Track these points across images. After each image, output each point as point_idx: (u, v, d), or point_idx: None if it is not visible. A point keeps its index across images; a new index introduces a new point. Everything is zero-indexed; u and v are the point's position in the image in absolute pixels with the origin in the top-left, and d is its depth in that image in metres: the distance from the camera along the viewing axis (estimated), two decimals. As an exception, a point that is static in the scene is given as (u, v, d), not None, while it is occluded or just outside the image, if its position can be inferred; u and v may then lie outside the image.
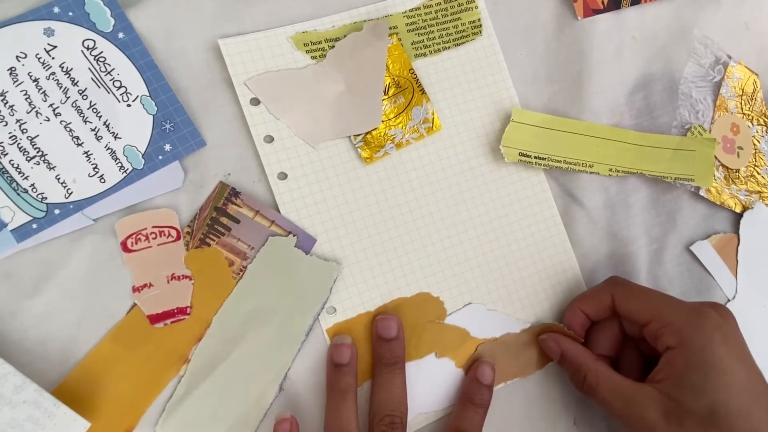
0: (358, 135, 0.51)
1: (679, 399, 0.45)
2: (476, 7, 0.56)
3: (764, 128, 0.65)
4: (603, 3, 0.60)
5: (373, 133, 0.51)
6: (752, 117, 0.64)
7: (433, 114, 0.53)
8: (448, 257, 0.53)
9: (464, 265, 0.53)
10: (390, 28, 0.53)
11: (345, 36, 0.52)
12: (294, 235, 0.49)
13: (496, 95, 0.56)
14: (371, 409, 0.48)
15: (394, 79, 0.52)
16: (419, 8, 0.54)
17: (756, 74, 0.65)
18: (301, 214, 0.50)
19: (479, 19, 0.56)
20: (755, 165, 0.64)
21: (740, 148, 0.63)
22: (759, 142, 0.64)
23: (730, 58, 0.64)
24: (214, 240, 0.48)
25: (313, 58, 0.51)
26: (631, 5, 0.61)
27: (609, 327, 0.52)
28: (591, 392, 0.49)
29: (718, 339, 0.46)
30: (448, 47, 0.55)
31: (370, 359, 0.50)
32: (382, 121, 0.51)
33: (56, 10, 0.46)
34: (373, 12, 0.53)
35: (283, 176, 0.50)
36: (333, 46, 0.51)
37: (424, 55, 0.54)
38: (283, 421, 0.47)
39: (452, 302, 0.52)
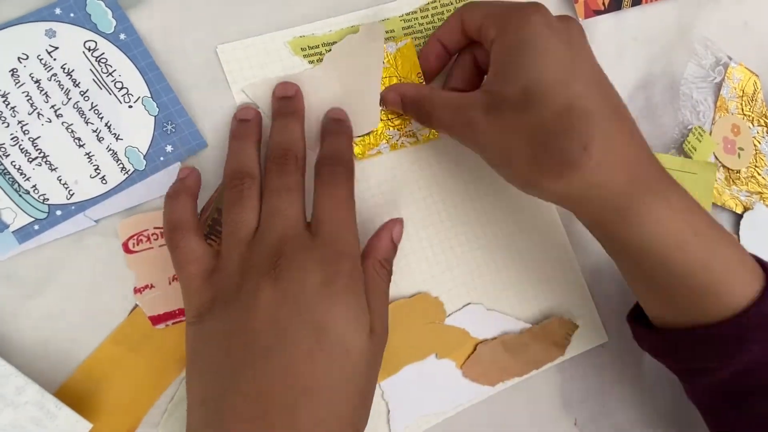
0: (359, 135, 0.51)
1: (497, 89, 0.44)
2: None
3: (765, 129, 0.65)
4: (604, 4, 0.60)
5: (375, 131, 0.51)
6: (753, 118, 0.65)
7: None
8: (447, 258, 0.53)
9: (463, 266, 0.53)
10: (387, 32, 0.53)
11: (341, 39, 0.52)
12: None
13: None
14: (267, 150, 0.47)
15: (400, 80, 0.52)
16: (416, 12, 0.54)
17: (756, 75, 0.65)
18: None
19: None
20: (756, 166, 0.64)
21: (741, 149, 0.63)
22: (759, 143, 0.64)
23: (730, 59, 0.64)
24: (215, 241, 0.48)
25: (311, 62, 0.51)
26: (632, 6, 0.61)
27: (463, 61, 0.51)
28: (429, 118, 0.48)
29: (537, 21, 0.43)
30: None
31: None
32: (382, 120, 0.51)
33: (58, 11, 0.46)
34: (371, 15, 0.53)
35: None
36: (330, 50, 0.51)
37: None
38: (185, 169, 0.47)
39: (451, 303, 0.52)
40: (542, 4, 0.45)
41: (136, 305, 0.46)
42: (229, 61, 0.50)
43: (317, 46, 0.51)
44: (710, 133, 0.62)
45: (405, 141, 0.52)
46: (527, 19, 0.43)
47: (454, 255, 0.53)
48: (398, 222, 0.49)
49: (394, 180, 0.52)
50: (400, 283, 0.51)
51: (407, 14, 0.54)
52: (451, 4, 0.55)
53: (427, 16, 0.54)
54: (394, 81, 0.52)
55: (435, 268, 0.52)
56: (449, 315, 0.52)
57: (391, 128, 0.51)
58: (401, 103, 0.50)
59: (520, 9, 0.44)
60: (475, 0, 0.49)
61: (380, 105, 0.51)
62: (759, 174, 0.64)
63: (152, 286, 0.47)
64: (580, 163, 0.41)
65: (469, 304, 0.52)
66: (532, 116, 0.42)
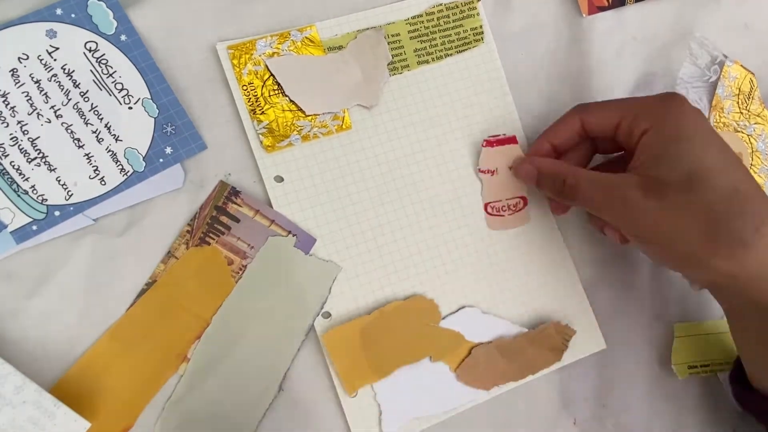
0: (261, 122, 0.50)
1: (657, 174, 0.46)
2: (478, 14, 0.56)
3: (761, 127, 0.65)
4: (608, 0, 0.60)
5: (279, 121, 0.51)
6: (749, 116, 0.64)
7: (344, 112, 0.53)
8: (444, 262, 0.53)
9: (460, 269, 0.53)
10: (392, 36, 0.54)
11: (347, 44, 0.52)
12: (294, 235, 0.49)
13: (493, 101, 0.56)
14: None
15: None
16: (422, 15, 0.55)
17: (752, 73, 0.65)
18: (296, 218, 0.50)
19: (481, 26, 0.56)
20: (751, 165, 0.64)
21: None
22: (756, 141, 0.64)
23: (726, 57, 0.64)
24: (213, 239, 0.48)
25: None
26: (635, 2, 0.61)
27: (578, 150, 0.54)
28: (572, 193, 0.50)
29: (689, 112, 0.48)
30: (451, 54, 0.55)
31: (366, 364, 0.50)
32: (290, 111, 0.51)
33: (59, 11, 0.46)
34: (372, 17, 0.54)
35: (279, 179, 0.50)
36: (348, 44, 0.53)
37: (427, 62, 0.55)
38: None
39: (447, 305, 0.53)
40: (681, 95, 0.49)
41: (134, 302, 0.47)
42: (229, 58, 0.49)
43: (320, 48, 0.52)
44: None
45: (317, 132, 0.52)
46: (683, 110, 0.48)
47: (451, 258, 0.53)
48: None
49: (393, 184, 0.53)
50: (396, 284, 0.52)
51: (413, 18, 0.54)
52: (457, 7, 0.55)
53: (433, 19, 0.55)
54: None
55: (431, 271, 0.53)
56: (444, 318, 0.52)
57: (301, 119, 0.51)
58: (537, 175, 0.52)
59: (671, 100, 0.49)
60: (593, 102, 0.52)
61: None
62: (755, 172, 0.64)
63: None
64: (754, 242, 0.44)
65: (464, 307, 0.53)
66: (699, 198, 0.45)
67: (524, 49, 0.58)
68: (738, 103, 0.64)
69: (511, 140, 0.55)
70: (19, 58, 0.45)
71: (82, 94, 0.46)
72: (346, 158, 0.52)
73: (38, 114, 0.45)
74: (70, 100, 0.46)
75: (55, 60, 0.46)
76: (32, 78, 0.45)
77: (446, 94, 0.55)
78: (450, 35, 0.55)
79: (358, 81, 0.52)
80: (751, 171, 0.63)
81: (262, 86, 0.50)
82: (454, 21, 0.55)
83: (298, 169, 0.51)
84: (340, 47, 0.52)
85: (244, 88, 0.50)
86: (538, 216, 0.56)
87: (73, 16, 0.46)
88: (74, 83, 0.46)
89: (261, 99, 0.50)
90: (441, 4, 0.55)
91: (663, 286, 0.59)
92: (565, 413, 0.55)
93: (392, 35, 0.54)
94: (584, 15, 0.59)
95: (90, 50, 0.46)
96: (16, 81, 0.45)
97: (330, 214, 0.51)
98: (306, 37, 0.52)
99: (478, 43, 0.56)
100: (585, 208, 0.52)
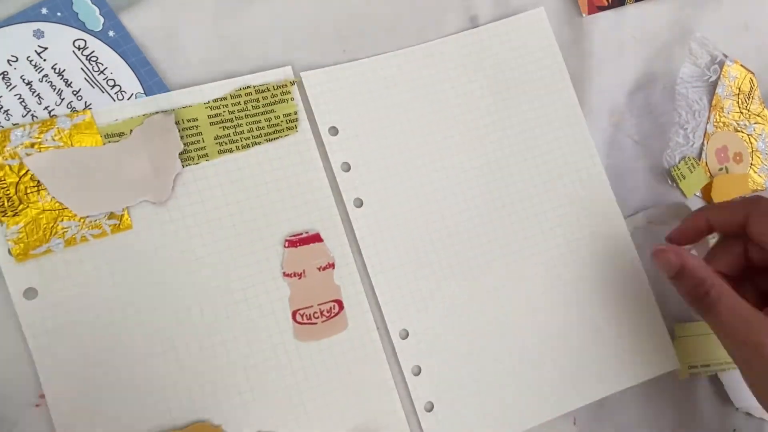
0: (13, 225, 0.44)
1: None
2: (292, 99, 0.51)
3: (761, 127, 0.65)
4: (608, 0, 0.59)
5: (38, 222, 0.44)
6: (749, 116, 0.64)
7: (124, 210, 0.46)
8: (238, 382, 0.47)
9: (258, 389, 0.48)
10: (188, 121, 0.49)
11: (131, 130, 0.47)
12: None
13: (309, 194, 0.51)
14: None
15: None
16: (225, 98, 0.49)
17: (752, 73, 0.65)
18: (52, 340, 0.44)
19: (296, 112, 0.51)
20: (751, 164, 0.63)
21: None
22: (756, 141, 0.64)
23: (726, 57, 0.64)
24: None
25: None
26: (635, 2, 0.60)
27: (732, 246, 0.50)
28: (708, 309, 0.45)
29: None
30: (260, 142, 0.50)
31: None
32: (52, 211, 0.45)
33: (44, 11, 0.46)
34: (163, 100, 0.48)
35: (32, 294, 0.45)
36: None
37: (230, 150, 0.49)
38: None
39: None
40: None
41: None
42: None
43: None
44: (705, 143, 0.62)
45: (87, 233, 0.45)
46: None
47: (247, 377, 0.48)
48: None
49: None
50: (175, 410, 0.46)
51: (215, 101, 0.49)
52: (268, 90, 0.51)
53: (239, 103, 0.50)
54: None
55: (220, 393, 0.47)
56: None
57: (66, 219, 0.45)
58: (678, 269, 0.46)
59: None
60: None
61: None
62: (756, 173, 0.64)
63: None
64: None
65: None
66: None
67: (523, 49, 0.57)
68: (738, 102, 0.64)
69: (316, 238, 0.50)
70: (8, 61, 0.45)
71: (74, 92, 0.46)
72: (121, 264, 0.46)
73: (32, 116, 0.45)
74: (63, 99, 0.46)
75: (44, 60, 0.45)
76: (23, 80, 0.45)
77: (252, 186, 0.49)
78: (259, 121, 0.50)
79: (146, 173, 0.47)
80: (750, 171, 0.62)
81: (17, 183, 0.45)
82: (264, 106, 0.50)
83: (58, 280, 0.45)
84: (122, 134, 0.47)
85: None
86: (357, 323, 0.50)
87: (59, 14, 0.46)
88: (66, 82, 0.46)
89: (15, 198, 0.44)
90: (249, 87, 0.50)
91: (664, 287, 0.58)
92: (565, 413, 0.54)
93: (188, 120, 0.48)
94: (584, 15, 0.59)
95: (79, 48, 0.46)
96: (8, 84, 0.45)
97: (99, 331, 0.45)
98: (76, 125, 0.46)
99: (291, 131, 0.51)
100: (710, 328, 0.46)
